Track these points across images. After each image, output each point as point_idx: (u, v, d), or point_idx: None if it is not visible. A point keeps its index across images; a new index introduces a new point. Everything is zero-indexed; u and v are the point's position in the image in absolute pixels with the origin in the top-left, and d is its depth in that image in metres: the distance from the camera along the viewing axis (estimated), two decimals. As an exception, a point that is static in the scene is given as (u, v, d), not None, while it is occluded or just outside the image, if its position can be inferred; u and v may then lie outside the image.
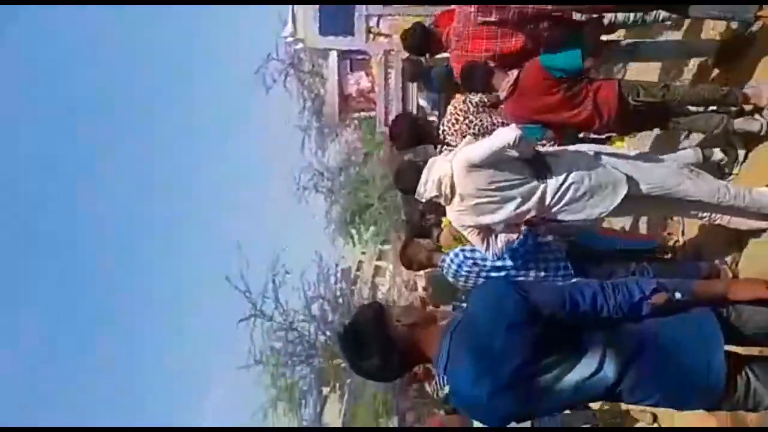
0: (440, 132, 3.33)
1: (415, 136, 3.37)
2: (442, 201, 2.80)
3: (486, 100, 3.34)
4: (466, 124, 3.26)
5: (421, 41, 3.45)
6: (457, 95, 3.36)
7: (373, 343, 1.62)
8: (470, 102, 3.29)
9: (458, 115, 3.30)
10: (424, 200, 2.84)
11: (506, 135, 2.61)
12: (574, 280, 2.01)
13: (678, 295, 1.64)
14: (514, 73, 3.06)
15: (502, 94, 3.13)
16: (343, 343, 1.70)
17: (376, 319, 1.69)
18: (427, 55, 3.75)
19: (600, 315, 1.63)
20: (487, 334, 1.58)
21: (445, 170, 2.69)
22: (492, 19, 3.12)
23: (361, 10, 6.49)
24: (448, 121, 3.33)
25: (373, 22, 6.54)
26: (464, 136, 3.16)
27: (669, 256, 3.43)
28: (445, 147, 3.27)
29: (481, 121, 3.26)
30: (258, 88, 12.44)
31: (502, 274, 2.97)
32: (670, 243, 3.51)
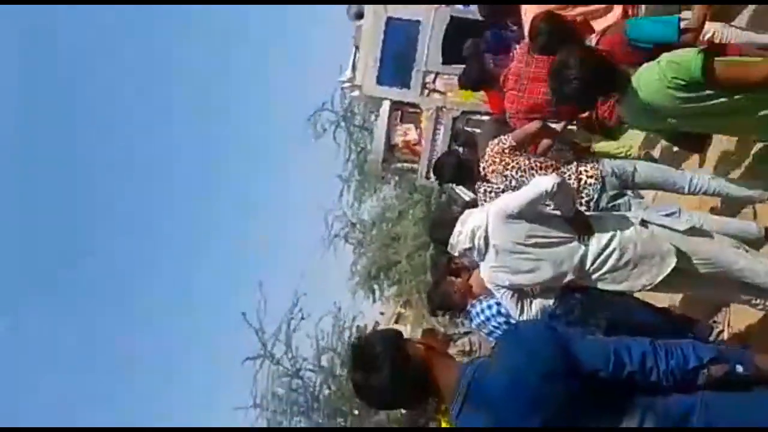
0: (481, 170, 3.32)
1: (458, 170, 3.37)
2: (475, 255, 2.71)
3: (514, 144, 3.30)
4: (503, 165, 3.24)
5: (479, 75, 3.51)
6: (494, 139, 3.37)
7: (386, 352, 1.51)
8: (503, 143, 3.28)
9: (494, 156, 3.29)
10: (456, 253, 2.76)
11: (544, 183, 2.54)
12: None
13: (740, 368, 1.47)
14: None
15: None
16: (354, 352, 1.59)
17: (393, 334, 1.59)
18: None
19: (648, 379, 1.47)
20: (517, 381, 1.43)
21: (480, 221, 2.62)
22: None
23: (420, 65, 6.70)
24: (485, 162, 3.32)
25: (430, 78, 6.73)
26: (503, 176, 3.13)
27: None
28: (485, 183, 3.25)
29: (517, 163, 3.23)
30: (307, 133, 12.83)
31: None
32: (714, 332, 3.27)
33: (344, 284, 13.77)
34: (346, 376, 12.35)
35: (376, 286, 13.55)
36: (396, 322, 18.92)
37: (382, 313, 18.83)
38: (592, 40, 2.99)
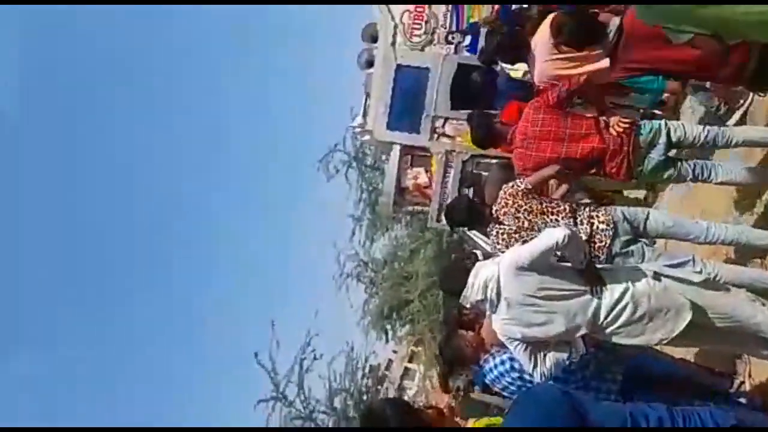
0: (494, 212, 3.36)
1: (469, 213, 3.42)
2: (487, 307, 2.71)
3: (530, 187, 3.35)
4: (515, 208, 3.27)
5: (485, 135, 3.57)
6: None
7: (396, 415, 1.52)
8: (517, 186, 3.33)
9: (507, 198, 3.33)
10: (469, 305, 2.78)
11: (554, 234, 2.56)
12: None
13: None
14: (616, 21, 3.06)
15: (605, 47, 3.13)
16: (363, 417, 1.59)
17: (402, 401, 1.60)
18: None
19: None
20: None
21: (492, 273, 2.64)
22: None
23: (429, 110, 6.82)
24: (498, 204, 3.36)
25: (439, 123, 6.83)
26: (516, 218, 3.15)
27: (739, 398, 3.12)
28: (498, 225, 3.28)
29: (530, 206, 3.27)
30: (320, 174, 12.98)
31: None
32: (735, 384, 3.21)
33: (356, 324, 13.68)
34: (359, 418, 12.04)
35: (388, 326, 13.40)
36: (410, 361, 18.65)
37: (395, 352, 18.59)
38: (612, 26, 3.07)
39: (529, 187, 3.25)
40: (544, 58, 3.29)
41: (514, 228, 3.20)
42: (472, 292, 2.65)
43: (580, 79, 3.24)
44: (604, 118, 3.29)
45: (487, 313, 2.83)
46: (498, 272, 2.60)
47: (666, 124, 3.28)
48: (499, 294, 2.60)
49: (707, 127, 3.31)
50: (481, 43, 5.88)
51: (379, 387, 15.61)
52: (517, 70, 4.28)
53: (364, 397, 13.03)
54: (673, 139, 3.23)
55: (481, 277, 2.63)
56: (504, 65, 4.32)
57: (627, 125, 3.22)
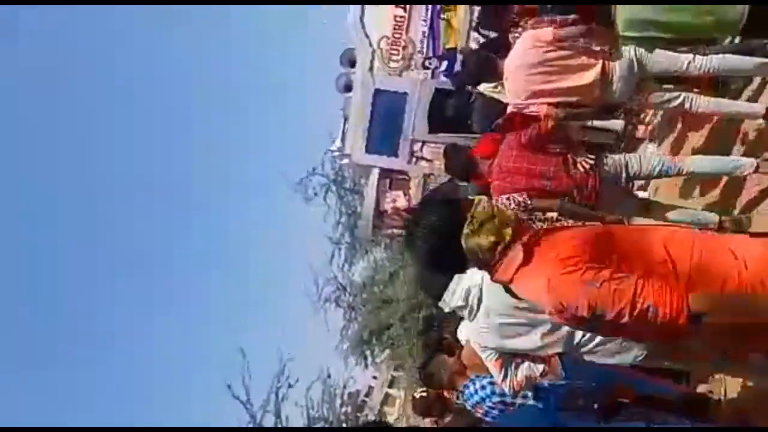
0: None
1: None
2: (465, 313, 2.69)
3: (529, 202, 3.40)
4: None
5: (463, 166, 3.66)
6: None
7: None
8: (516, 198, 3.36)
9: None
10: (447, 310, 2.76)
11: None
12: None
13: None
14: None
15: None
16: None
17: (387, 425, 1.59)
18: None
19: None
20: None
21: (475, 280, 2.62)
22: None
23: (407, 134, 6.91)
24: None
25: (417, 147, 6.93)
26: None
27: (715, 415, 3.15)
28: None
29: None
30: (297, 196, 12.95)
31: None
32: (711, 402, 3.23)
33: (334, 348, 13.48)
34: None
35: (368, 351, 13.25)
36: (390, 386, 18.41)
37: (375, 378, 18.34)
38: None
39: (532, 206, 3.31)
40: (525, 72, 3.39)
41: None
42: (452, 298, 2.63)
43: (548, 124, 3.38)
44: (571, 155, 3.45)
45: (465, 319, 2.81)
46: (482, 280, 2.59)
47: (625, 158, 3.49)
48: (480, 301, 2.58)
49: (661, 159, 3.52)
50: (457, 68, 6.01)
51: (359, 414, 15.34)
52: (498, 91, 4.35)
53: (344, 425, 12.75)
54: (630, 174, 3.44)
55: (463, 284, 2.62)
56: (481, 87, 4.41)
57: (593, 162, 3.41)
